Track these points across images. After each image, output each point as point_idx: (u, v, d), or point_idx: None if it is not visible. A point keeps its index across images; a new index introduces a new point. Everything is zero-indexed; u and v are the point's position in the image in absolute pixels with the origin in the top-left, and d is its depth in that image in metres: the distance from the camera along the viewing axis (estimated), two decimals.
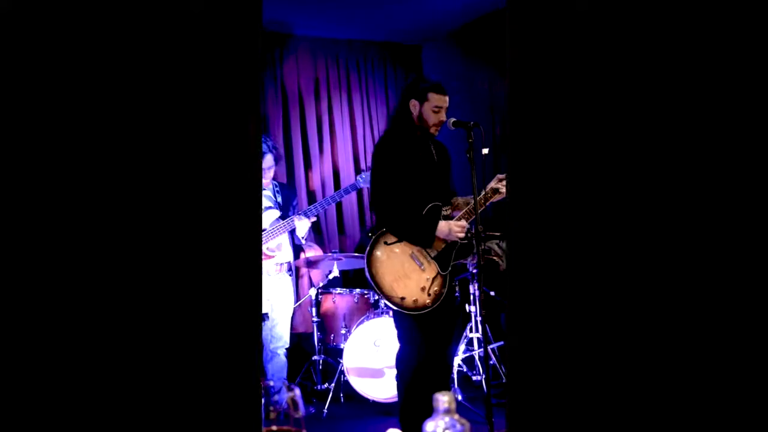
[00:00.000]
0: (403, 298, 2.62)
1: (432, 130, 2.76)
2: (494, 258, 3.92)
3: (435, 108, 2.72)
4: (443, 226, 2.69)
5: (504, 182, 2.76)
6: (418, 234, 2.69)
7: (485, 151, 2.75)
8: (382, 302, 3.84)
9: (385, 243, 2.67)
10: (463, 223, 2.70)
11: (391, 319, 3.60)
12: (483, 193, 2.73)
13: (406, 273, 2.65)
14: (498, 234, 3.90)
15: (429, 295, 2.63)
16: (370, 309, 3.92)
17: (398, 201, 2.67)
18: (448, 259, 2.70)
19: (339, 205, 4.84)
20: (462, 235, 2.69)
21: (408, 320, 2.66)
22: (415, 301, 2.62)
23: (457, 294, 3.86)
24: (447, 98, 2.75)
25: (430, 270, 2.68)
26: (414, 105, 2.74)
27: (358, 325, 3.75)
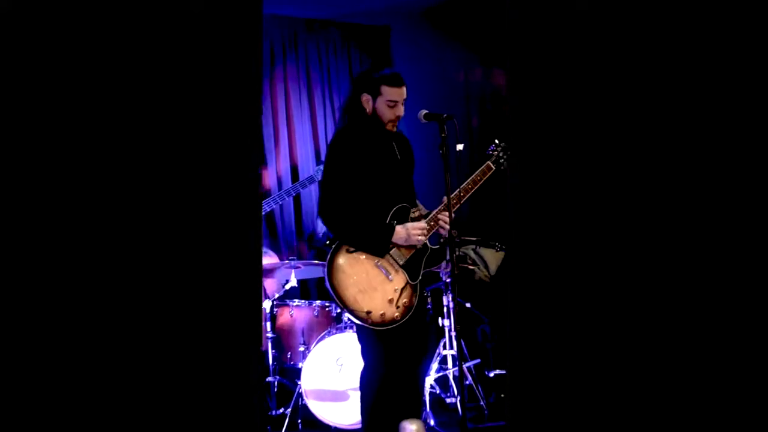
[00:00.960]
0: (369, 312, 2.49)
1: (388, 126, 2.64)
2: (470, 266, 3.75)
3: (389, 102, 2.59)
4: (400, 231, 2.56)
5: (445, 214, 2.58)
6: (370, 241, 2.56)
7: (460, 146, 2.63)
8: (346, 316, 3.59)
9: (348, 251, 2.55)
10: (422, 224, 2.59)
11: (356, 334, 3.44)
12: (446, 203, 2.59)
13: (371, 284, 2.53)
14: (474, 239, 3.80)
15: (398, 307, 2.51)
16: (332, 323, 3.71)
17: (349, 205, 2.57)
18: (418, 266, 2.59)
19: (298, 206, 4.64)
20: (423, 238, 2.58)
21: (373, 335, 2.55)
22: (383, 315, 2.50)
23: (429, 306, 3.73)
24: (404, 90, 2.62)
25: (399, 279, 2.57)
26: (366, 100, 2.63)
27: (318, 342, 3.56)
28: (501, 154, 2.74)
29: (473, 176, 2.67)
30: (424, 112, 2.57)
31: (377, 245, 2.55)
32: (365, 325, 2.51)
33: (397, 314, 2.51)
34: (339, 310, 3.67)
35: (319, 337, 3.60)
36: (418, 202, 2.81)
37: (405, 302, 2.53)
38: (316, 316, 3.73)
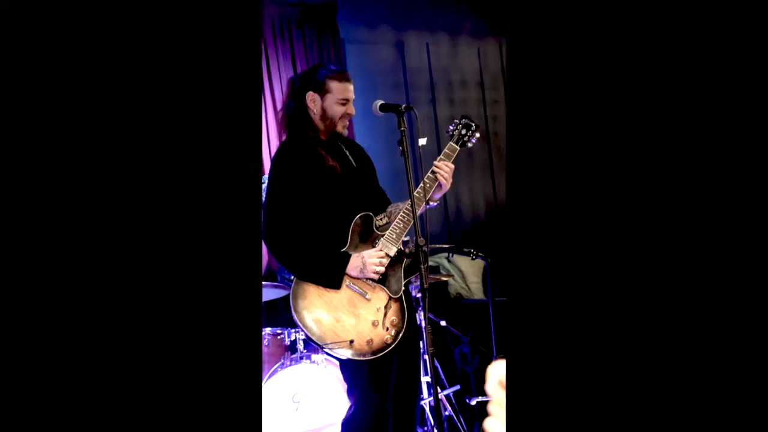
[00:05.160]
0: (352, 342, 2.36)
1: (339, 128, 2.54)
2: (443, 278, 3.62)
3: (341, 100, 2.51)
4: (355, 262, 2.41)
5: (442, 164, 2.50)
6: (320, 274, 2.41)
7: (422, 141, 2.53)
8: (300, 342, 3.48)
9: None
10: (379, 251, 2.43)
11: (314, 365, 3.31)
12: (420, 184, 2.48)
13: (348, 308, 2.39)
14: (447, 246, 3.64)
15: (386, 329, 2.39)
16: (285, 353, 3.48)
17: (296, 231, 2.45)
18: (398, 277, 2.45)
19: None
20: (381, 268, 2.41)
21: (362, 366, 2.40)
22: (370, 342, 2.36)
23: None
24: (352, 88, 2.57)
25: (378, 297, 2.42)
26: (313, 99, 2.53)
27: (270, 376, 3.35)
28: (464, 131, 2.59)
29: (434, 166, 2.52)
30: (379, 102, 2.43)
31: (328, 277, 2.38)
32: (353, 358, 2.37)
33: (388, 337, 2.37)
34: (293, 338, 3.47)
35: (271, 370, 3.38)
36: (390, 208, 2.65)
37: (394, 321, 2.41)
38: (267, 346, 3.51)
